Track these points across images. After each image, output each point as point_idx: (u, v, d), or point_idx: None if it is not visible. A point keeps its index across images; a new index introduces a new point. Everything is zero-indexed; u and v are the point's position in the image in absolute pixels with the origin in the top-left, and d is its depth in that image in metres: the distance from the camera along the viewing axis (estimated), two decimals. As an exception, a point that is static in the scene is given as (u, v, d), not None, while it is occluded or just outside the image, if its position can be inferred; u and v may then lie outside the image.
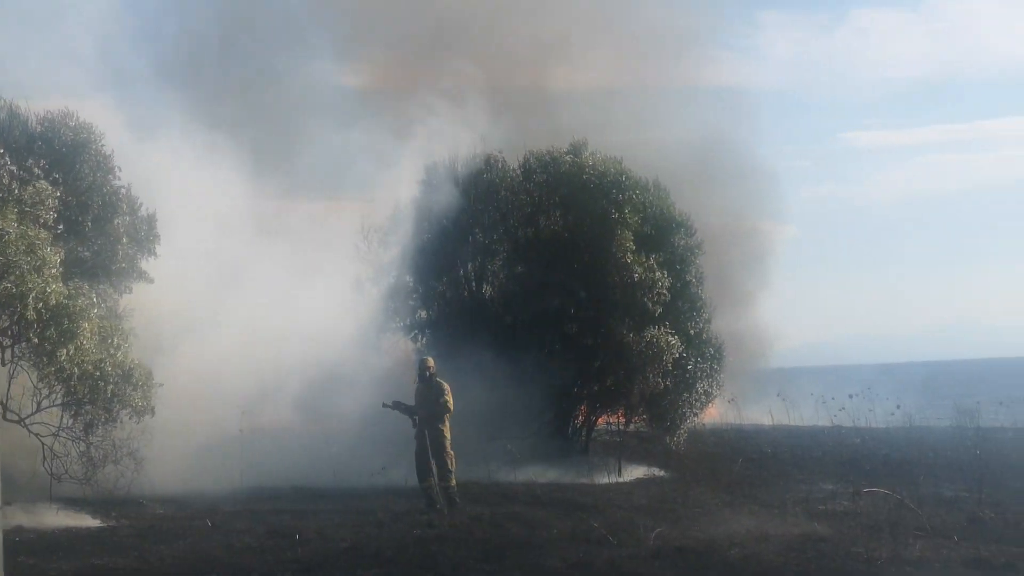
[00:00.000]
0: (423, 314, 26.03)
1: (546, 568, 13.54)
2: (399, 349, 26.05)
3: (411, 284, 25.74)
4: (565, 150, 25.09)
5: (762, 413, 39.96)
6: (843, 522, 17.28)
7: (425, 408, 18.39)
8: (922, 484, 22.38)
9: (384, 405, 18.50)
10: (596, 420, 26.27)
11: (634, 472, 24.18)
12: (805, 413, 41.33)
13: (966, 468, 24.35)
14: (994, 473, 24.14)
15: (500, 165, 25.57)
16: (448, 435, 18.46)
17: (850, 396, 35.79)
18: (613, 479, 23.31)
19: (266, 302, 23.82)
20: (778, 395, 43.25)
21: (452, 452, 18.52)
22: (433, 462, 18.39)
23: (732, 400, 38.80)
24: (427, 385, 18.51)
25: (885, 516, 17.59)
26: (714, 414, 37.52)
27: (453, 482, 18.51)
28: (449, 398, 18.42)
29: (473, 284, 25.60)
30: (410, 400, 18.60)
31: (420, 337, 25.88)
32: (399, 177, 26.23)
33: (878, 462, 26.93)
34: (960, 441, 30.27)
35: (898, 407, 35.00)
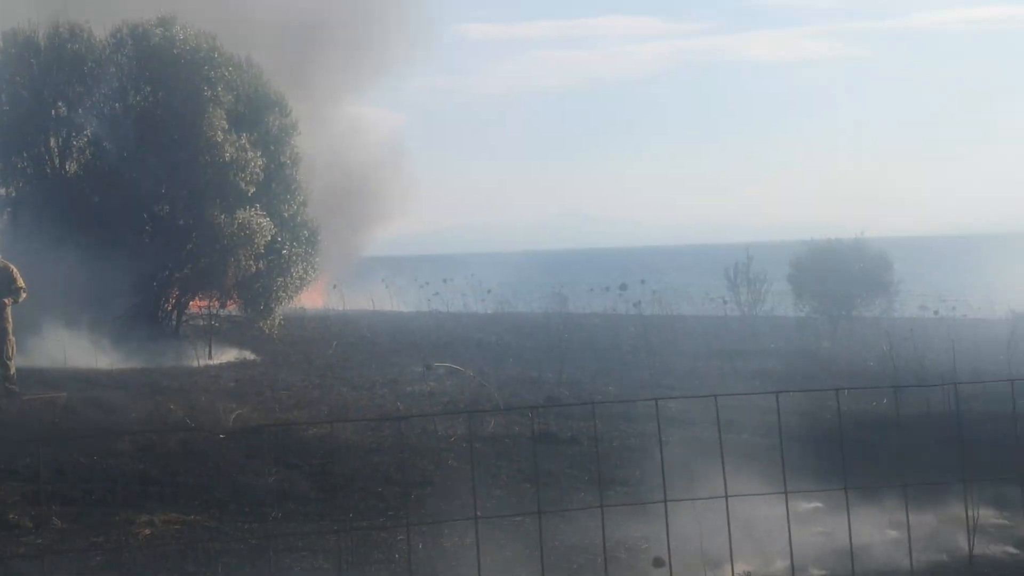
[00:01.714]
0: (2, 192, 24.39)
1: (114, 450, 13.04)
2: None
3: (-12, 159, 24.02)
4: (154, 23, 23.91)
5: (366, 299, 40.35)
6: (427, 401, 17.62)
7: None
8: (509, 366, 23.19)
9: None
10: (188, 303, 25.57)
11: (225, 356, 23.74)
12: (408, 300, 42.13)
13: (551, 351, 25.39)
14: (576, 355, 25.34)
15: (87, 36, 24.09)
16: (11, 320, 17.50)
17: (444, 281, 36.71)
18: (203, 363, 22.82)
19: None
20: (383, 281, 43.86)
21: (14, 338, 17.60)
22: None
23: (336, 286, 38.99)
24: None
25: (467, 396, 18.09)
26: (317, 300, 37.56)
27: (13, 370, 17.54)
28: (21, 282, 17.43)
29: (56, 160, 24.16)
30: None
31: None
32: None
33: (471, 344, 27.70)
34: (548, 326, 31.62)
35: (489, 291, 36.18)
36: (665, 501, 6.78)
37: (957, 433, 10.90)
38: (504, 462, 12.92)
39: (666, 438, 14.43)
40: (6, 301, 17.29)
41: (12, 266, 17.49)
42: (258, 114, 23.75)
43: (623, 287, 31.68)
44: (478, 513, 7.12)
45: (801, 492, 8.10)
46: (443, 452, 13.32)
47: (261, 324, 24.53)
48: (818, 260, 30.61)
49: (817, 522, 10.04)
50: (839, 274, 30.10)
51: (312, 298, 35.06)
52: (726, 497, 6.75)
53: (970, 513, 8.25)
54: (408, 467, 12.51)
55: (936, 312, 29.09)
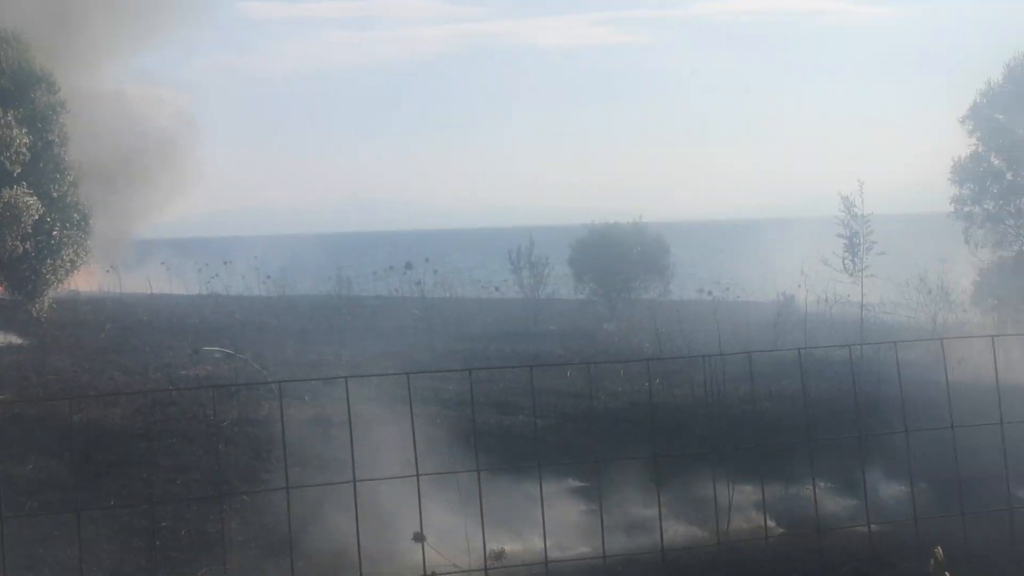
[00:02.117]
0: None
1: None
2: None
3: None
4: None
5: (144, 282, 39.29)
6: (200, 385, 17.29)
7: None
8: (289, 349, 22.98)
9: None
10: (-49, 287, 24.46)
11: (-11, 341, 22.84)
12: (189, 283, 41.22)
13: (333, 333, 25.27)
14: (359, 338, 25.29)
15: None
16: None
17: (224, 263, 36.07)
18: (-35, 349, 21.88)
19: None
20: (162, 263, 42.87)
21: None
22: None
23: (112, 268, 37.90)
24: None
25: (242, 379, 17.86)
26: (92, 283, 36.45)
27: None
28: None
29: None
30: None
31: None
32: None
33: (252, 328, 27.33)
34: (332, 308, 31.45)
35: (268, 277, 35.74)
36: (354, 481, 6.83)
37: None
38: (276, 446, 12.78)
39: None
40: None
41: None
42: (23, 90, 22.79)
43: (408, 267, 31.72)
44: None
45: (553, 467, 8.31)
46: (214, 437, 13.14)
47: (29, 307, 23.62)
48: (597, 243, 31.22)
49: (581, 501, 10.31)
50: (618, 257, 30.78)
51: (87, 280, 34.01)
52: (417, 476, 6.85)
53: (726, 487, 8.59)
54: (175, 452, 12.31)
55: (711, 294, 30.05)
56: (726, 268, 47.83)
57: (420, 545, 7.14)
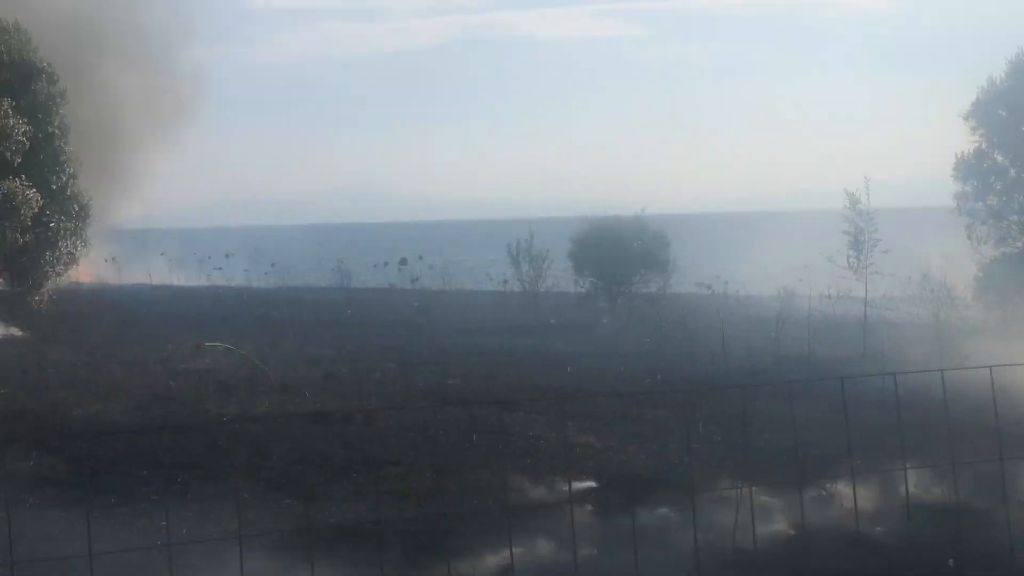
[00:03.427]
0: None
1: None
2: None
3: None
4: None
5: (144, 273, 39.22)
6: (200, 380, 17.21)
7: None
8: (289, 343, 22.90)
9: None
10: (-53, 277, 24.31)
11: (-11, 333, 22.80)
12: (189, 274, 41.15)
13: (332, 327, 25.19)
14: (358, 331, 25.22)
15: None
16: None
17: (227, 256, 35.96)
18: (-36, 340, 21.85)
19: None
20: (163, 255, 42.79)
21: None
22: None
23: (112, 260, 37.84)
24: None
25: (243, 375, 17.73)
26: (92, 274, 36.37)
27: None
28: None
29: None
30: None
31: None
32: None
33: (251, 320, 27.26)
34: (331, 302, 31.40)
35: (272, 265, 35.59)
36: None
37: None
38: (277, 443, 12.70)
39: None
40: None
41: None
42: (24, 81, 22.63)
43: (403, 262, 31.63)
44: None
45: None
46: (214, 433, 13.05)
47: (29, 299, 23.51)
48: (598, 237, 31.03)
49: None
50: (618, 251, 30.59)
51: (87, 271, 33.93)
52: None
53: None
54: (176, 449, 12.21)
55: (710, 288, 29.95)
56: (727, 263, 47.71)
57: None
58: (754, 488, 8.75)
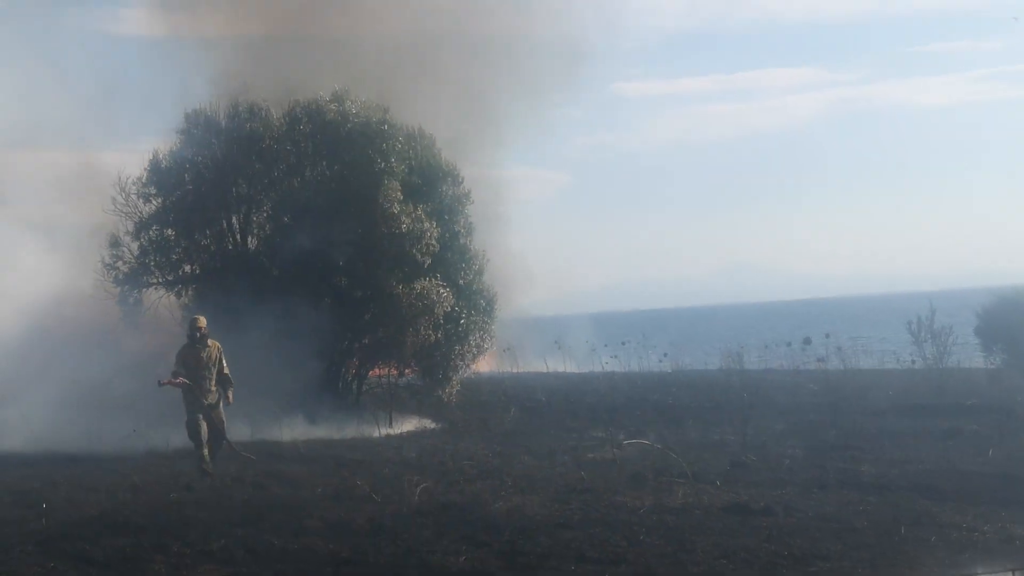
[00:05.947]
0: (187, 269, 25.01)
1: (305, 529, 13.09)
2: (162, 306, 24.99)
3: (173, 238, 24.65)
4: (328, 99, 24.35)
5: (539, 361, 40.26)
6: (609, 471, 17.32)
7: (198, 370, 17.73)
8: (689, 429, 22.75)
9: (160, 383, 17.68)
10: (368, 373, 25.80)
11: (405, 425, 23.88)
12: (581, 361, 41.90)
13: (732, 412, 24.84)
14: (759, 415, 24.74)
15: (264, 114, 24.60)
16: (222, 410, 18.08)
17: (623, 343, 36.34)
18: (384, 432, 22.96)
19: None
20: (555, 342, 43.78)
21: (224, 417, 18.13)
22: (205, 425, 17.77)
23: (508, 349, 39.04)
24: (199, 345, 17.82)
25: (650, 463, 17.71)
26: (491, 363, 37.66)
27: (208, 457, 17.84)
28: (225, 362, 17.97)
29: (238, 237, 24.69)
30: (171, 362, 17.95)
31: (185, 292, 24.89)
32: (158, 128, 25.14)
33: (648, 408, 27.29)
34: (727, 385, 31.00)
35: (666, 354, 35.69)
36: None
37: None
38: (699, 536, 12.51)
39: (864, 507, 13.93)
40: (228, 398, 17.85)
41: (217, 344, 17.94)
42: (432, 184, 23.92)
43: (807, 341, 30.93)
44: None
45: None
46: (634, 526, 13.01)
47: (439, 392, 24.59)
48: (1007, 310, 29.43)
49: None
50: (1032, 324, 28.82)
51: (484, 361, 35.13)
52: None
53: None
54: (599, 543, 12.22)
55: None
56: None
57: None
58: None
